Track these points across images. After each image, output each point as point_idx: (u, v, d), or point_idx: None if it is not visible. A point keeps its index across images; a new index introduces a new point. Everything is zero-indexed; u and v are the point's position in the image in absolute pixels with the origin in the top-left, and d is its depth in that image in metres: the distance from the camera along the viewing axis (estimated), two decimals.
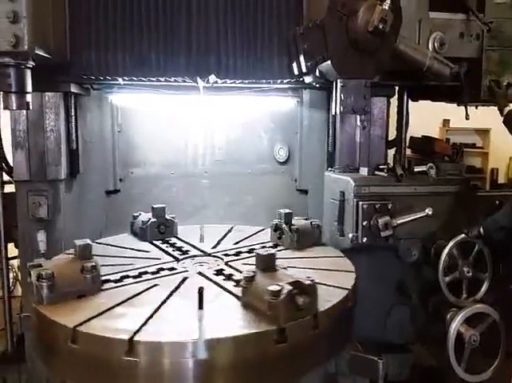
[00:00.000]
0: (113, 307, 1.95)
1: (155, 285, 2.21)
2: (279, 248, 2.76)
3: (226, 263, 2.52)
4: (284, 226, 2.78)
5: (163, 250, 2.74)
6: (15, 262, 3.79)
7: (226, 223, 3.30)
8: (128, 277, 2.28)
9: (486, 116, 3.23)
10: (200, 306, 1.94)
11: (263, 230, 3.10)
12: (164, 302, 2.02)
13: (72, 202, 2.96)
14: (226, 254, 2.65)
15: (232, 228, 3.16)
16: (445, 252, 2.64)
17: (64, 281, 1.98)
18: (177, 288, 2.17)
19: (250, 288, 1.93)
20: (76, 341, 1.78)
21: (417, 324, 2.91)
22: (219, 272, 2.38)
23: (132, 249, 2.75)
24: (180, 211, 3.44)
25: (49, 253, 2.77)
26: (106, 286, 2.16)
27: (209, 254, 2.66)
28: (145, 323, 1.81)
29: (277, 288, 1.77)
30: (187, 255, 2.64)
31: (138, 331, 1.75)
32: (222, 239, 2.95)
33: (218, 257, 2.62)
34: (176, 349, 1.72)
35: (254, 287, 1.91)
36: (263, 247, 2.77)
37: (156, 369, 1.73)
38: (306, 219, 2.89)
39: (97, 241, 2.83)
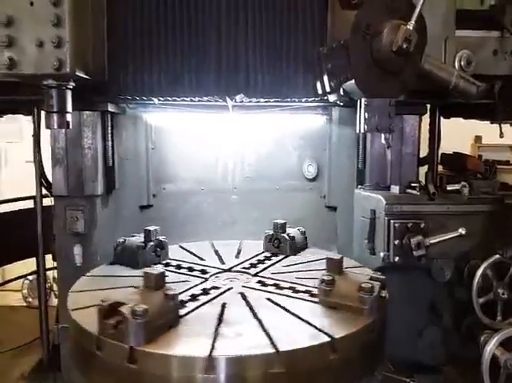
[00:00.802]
0: (217, 329, 1.91)
1: (224, 303, 2.17)
2: (280, 256, 2.93)
3: (256, 275, 2.57)
4: (283, 235, 2.99)
5: (177, 273, 2.62)
6: (49, 273, 3.92)
7: (254, 238, 3.32)
8: (183, 301, 2.16)
9: None
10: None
11: (242, 243, 3.20)
12: (256, 314, 2.05)
13: (107, 216, 3.05)
14: (244, 267, 2.69)
15: (213, 244, 3.17)
16: (479, 273, 2.59)
17: (157, 314, 1.82)
18: (248, 303, 2.19)
19: (333, 289, 2.09)
20: (211, 370, 1.69)
21: (449, 345, 2.85)
22: (263, 284, 2.43)
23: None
24: (210, 226, 3.52)
25: (85, 266, 2.87)
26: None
27: (229, 270, 2.67)
28: (269, 336, 1.84)
29: (369, 285, 2.00)
30: (210, 274, 2.59)
31: (274, 344, 1.78)
32: (220, 255, 2.96)
33: (240, 271, 2.65)
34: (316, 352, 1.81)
35: (337, 288, 2.09)
36: (267, 258, 2.90)
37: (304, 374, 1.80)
38: (291, 227, 3.12)
39: (88, 274, 2.62)
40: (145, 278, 1.97)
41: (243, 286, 2.41)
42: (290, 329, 1.94)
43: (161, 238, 2.81)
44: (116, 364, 1.77)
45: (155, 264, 2.72)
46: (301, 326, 1.95)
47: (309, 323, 1.96)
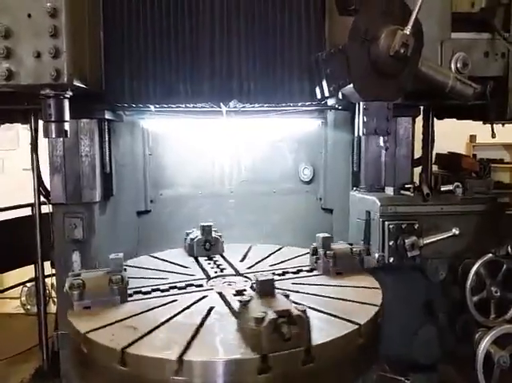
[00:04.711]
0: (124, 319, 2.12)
1: (175, 300, 2.34)
2: (314, 273, 2.75)
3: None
4: (320, 250, 2.74)
5: (201, 267, 2.89)
6: (48, 280, 3.94)
7: (251, 242, 3.36)
8: (157, 290, 2.46)
9: None
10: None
11: (305, 253, 3.01)
12: (172, 317, 2.13)
13: (105, 223, 3.08)
14: (253, 272, 2.72)
15: (280, 249, 3.23)
16: (472, 272, 2.63)
17: (93, 291, 2.24)
18: (188, 306, 2.26)
19: (244, 313, 1.92)
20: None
21: (445, 344, 2.89)
22: (239, 293, 2.40)
23: (176, 264, 2.94)
24: None
25: None
26: (135, 297, 2.37)
27: (241, 275, 2.73)
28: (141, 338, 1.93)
29: (261, 315, 1.77)
30: (220, 274, 2.73)
31: (130, 345, 1.85)
32: (262, 260, 3.00)
33: (249, 278, 2.68)
34: (161, 367, 1.77)
35: (247, 312, 1.90)
36: (298, 271, 2.78)
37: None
38: (349, 244, 2.83)
39: (152, 255, 3.14)
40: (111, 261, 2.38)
41: (219, 292, 2.44)
42: (167, 339, 1.94)
43: (214, 235, 3.15)
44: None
45: (203, 256, 3.08)
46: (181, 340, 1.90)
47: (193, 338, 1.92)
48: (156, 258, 3.09)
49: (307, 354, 1.81)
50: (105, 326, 2.04)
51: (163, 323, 2.06)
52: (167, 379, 1.76)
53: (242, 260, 3.02)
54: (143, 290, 2.45)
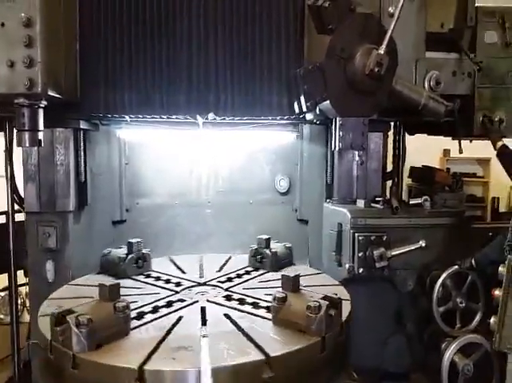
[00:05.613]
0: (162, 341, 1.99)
1: (181, 317, 2.25)
2: (261, 271, 2.99)
3: (227, 290, 2.62)
4: (266, 250, 3.02)
5: (154, 285, 2.74)
6: (23, 289, 3.89)
7: (229, 252, 3.38)
8: (144, 313, 2.29)
9: (487, 145, 3.28)
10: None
11: (231, 257, 3.27)
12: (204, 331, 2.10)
13: (80, 232, 3.07)
14: (220, 281, 2.75)
15: (203, 257, 3.25)
16: (438, 283, 2.71)
17: (102, 324, 1.94)
18: (203, 318, 2.24)
19: (283, 307, 2.12)
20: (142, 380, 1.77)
21: (415, 353, 2.95)
22: (229, 298, 2.49)
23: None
24: (184, 239, 3.54)
25: (57, 281, 2.88)
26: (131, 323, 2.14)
27: (204, 284, 2.73)
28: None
29: (316, 304, 2.02)
30: (183, 287, 2.68)
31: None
32: (203, 269, 3.02)
33: (214, 285, 2.70)
34: (251, 370, 1.85)
35: (287, 306, 2.12)
36: (248, 272, 2.96)
37: None
38: (278, 242, 3.16)
39: (71, 283, 2.78)
40: (99, 289, 2.09)
41: (207, 300, 2.46)
42: (235, 346, 1.94)
43: (144, 250, 2.97)
44: (63, 368, 1.91)
45: (136, 275, 2.87)
46: (245, 344, 1.97)
47: (251, 340, 1.99)
48: (85, 285, 2.68)
49: (341, 328, 2.16)
50: (152, 354, 1.87)
51: (203, 338, 2.02)
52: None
53: (183, 272, 2.97)
54: (145, 310, 2.29)
